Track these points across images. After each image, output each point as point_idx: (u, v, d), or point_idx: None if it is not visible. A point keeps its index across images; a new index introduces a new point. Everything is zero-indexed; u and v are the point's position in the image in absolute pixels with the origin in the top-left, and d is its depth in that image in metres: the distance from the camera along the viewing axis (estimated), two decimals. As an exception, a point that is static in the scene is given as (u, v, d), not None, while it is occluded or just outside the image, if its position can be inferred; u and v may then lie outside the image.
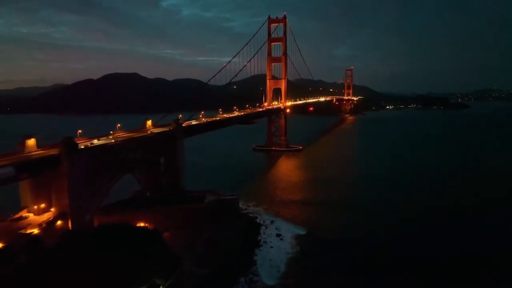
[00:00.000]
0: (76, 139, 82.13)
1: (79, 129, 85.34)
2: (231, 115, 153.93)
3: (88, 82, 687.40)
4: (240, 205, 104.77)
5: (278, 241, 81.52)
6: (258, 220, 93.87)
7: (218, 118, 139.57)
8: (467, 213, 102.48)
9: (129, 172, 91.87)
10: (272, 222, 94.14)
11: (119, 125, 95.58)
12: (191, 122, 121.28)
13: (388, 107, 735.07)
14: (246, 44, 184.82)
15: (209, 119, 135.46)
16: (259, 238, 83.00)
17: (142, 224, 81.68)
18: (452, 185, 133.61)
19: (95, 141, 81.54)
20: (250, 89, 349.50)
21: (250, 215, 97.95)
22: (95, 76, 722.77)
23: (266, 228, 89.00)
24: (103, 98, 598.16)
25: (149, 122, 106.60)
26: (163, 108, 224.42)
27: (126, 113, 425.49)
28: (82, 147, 74.96)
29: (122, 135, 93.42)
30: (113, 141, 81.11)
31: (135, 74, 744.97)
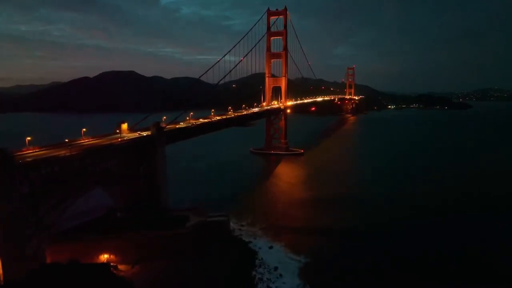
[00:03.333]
0: (24, 149, 66.18)
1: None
2: (224, 117, 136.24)
3: (84, 80, 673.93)
4: (232, 224, 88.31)
5: (278, 278, 64.82)
6: (252, 246, 77.02)
7: (208, 121, 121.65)
8: (474, 216, 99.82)
9: (97, 187, 75.72)
10: (270, 248, 77.43)
11: (84, 129, 79.07)
12: (175, 125, 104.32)
13: (389, 106, 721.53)
14: (242, 38, 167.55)
15: (198, 122, 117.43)
16: (253, 273, 66.27)
17: (106, 256, 65.14)
18: (473, 200, 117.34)
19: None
20: (250, 88, 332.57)
21: (244, 238, 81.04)
22: (94, 74, 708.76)
23: (263, 258, 72.18)
24: (100, 96, 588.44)
25: (124, 126, 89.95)
26: (161, 107, 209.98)
27: (122, 112, 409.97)
28: (29, 160, 58.46)
29: (87, 142, 76.90)
30: (68, 151, 64.07)
31: (133, 72, 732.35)
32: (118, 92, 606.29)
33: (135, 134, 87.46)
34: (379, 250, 77.97)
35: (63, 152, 63.70)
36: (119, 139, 77.25)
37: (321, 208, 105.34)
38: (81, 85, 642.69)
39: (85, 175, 67.60)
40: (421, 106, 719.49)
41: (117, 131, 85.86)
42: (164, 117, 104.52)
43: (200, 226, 72.76)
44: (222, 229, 75.68)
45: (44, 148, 67.93)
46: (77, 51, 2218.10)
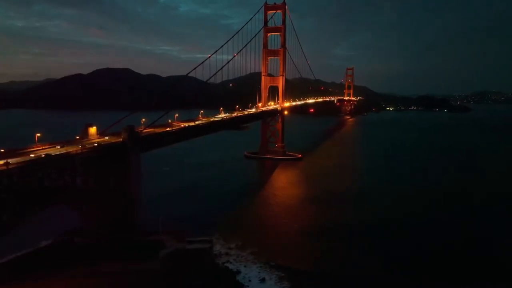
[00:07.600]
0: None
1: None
2: (212, 119, 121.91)
3: (78, 77, 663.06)
4: (219, 248, 75.14)
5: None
6: (241, 279, 63.64)
7: (195, 123, 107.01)
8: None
9: (53, 206, 61.92)
10: (262, 281, 64.02)
11: (38, 134, 65.33)
12: (155, 130, 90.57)
13: (388, 108, 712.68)
14: (236, 33, 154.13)
15: (176, 127, 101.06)
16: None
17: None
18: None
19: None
20: (247, 88, 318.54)
21: (231, 267, 67.63)
22: (89, 71, 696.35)
23: (252, 295, 58.93)
24: (93, 93, 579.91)
25: (92, 129, 76.28)
26: (159, 106, 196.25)
27: (115, 110, 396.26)
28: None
29: (41, 150, 63.17)
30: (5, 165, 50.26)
31: (127, 69, 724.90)
32: (111, 89, 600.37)
33: (108, 140, 73.71)
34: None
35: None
36: (80, 147, 63.28)
37: (322, 225, 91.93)
38: (74, 82, 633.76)
39: (35, 192, 54.08)
40: (420, 108, 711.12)
41: (77, 137, 71.93)
42: (143, 119, 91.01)
43: (177, 256, 59.27)
44: (204, 259, 62.04)
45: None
46: (73, 48, 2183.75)
